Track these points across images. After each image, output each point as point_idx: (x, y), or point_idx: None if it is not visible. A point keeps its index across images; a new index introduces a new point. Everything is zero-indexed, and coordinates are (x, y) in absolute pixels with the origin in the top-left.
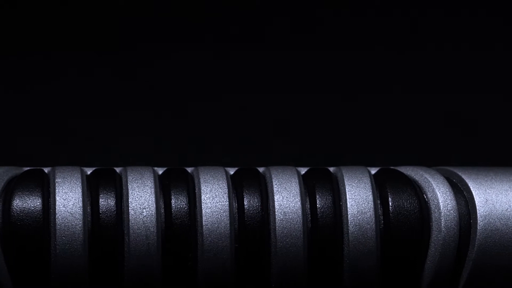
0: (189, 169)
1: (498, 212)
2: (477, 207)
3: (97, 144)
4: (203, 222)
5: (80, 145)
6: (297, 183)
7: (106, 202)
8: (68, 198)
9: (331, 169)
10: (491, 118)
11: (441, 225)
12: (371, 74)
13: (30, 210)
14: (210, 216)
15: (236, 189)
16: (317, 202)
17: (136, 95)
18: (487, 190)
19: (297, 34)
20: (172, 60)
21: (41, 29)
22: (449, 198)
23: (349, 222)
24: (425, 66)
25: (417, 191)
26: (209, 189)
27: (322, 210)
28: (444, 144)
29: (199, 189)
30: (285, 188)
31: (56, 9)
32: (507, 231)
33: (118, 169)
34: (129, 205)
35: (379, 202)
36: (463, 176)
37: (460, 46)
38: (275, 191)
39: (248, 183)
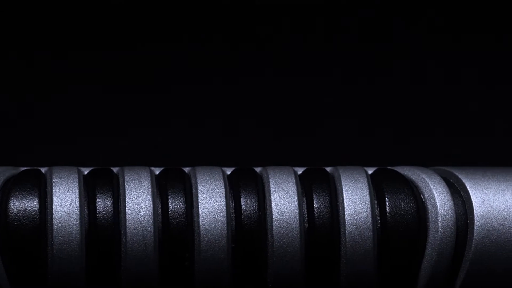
0: (186, 169)
1: (495, 212)
2: (474, 207)
3: (94, 144)
4: (200, 222)
5: (77, 145)
6: (294, 183)
7: (103, 202)
8: (65, 198)
9: (328, 169)
10: (489, 118)
11: (438, 225)
12: (369, 74)
13: (27, 210)
14: (207, 216)
15: (233, 189)
16: (314, 202)
17: (133, 95)
18: (484, 190)
19: (296, 34)
20: (169, 59)
21: (41, 29)
22: (446, 198)
23: (346, 222)
24: (424, 65)
25: (414, 191)
26: (206, 189)
27: (319, 210)
28: (442, 144)
29: (196, 189)
30: (282, 188)
31: (57, 10)
32: (504, 231)
33: (115, 169)
34: (126, 205)
35: (376, 202)
36: (460, 176)
37: (460, 45)
38: (272, 191)
39: (245, 183)
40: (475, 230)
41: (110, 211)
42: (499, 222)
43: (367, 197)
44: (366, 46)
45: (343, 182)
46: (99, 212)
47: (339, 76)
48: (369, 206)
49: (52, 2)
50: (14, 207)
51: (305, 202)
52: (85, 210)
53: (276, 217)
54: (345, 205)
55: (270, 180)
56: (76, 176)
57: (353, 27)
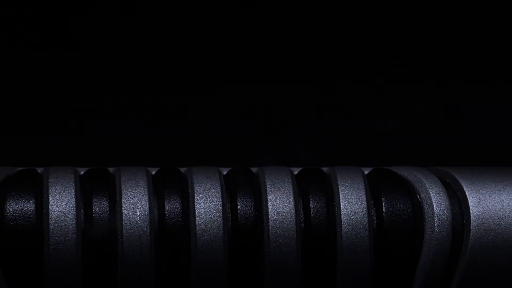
0: (183, 169)
1: (491, 212)
2: (470, 207)
3: (90, 144)
4: (196, 222)
5: (73, 145)
6: (290, 183)
7: (99, 202)
8: (61, 198)
9: (325, 169)
10: (487, 118)
11: (434, 225)
12: (366, 72)
13: (23, 211)
14: (203, 216)
15: (229, 189)
16: (310, 202)
17: (131, 95)
18: (480, 190)
19: (296, 34)
20: (167, 59)
21: (40, 29)
22: (442, 198)
23: (342, 222)
24: (423, 64)
25: (410, 191)
26: (202, 189)
27: (315, 210)
28: (439, 144)
29: (192, 189)
30: (278, 188)
31: (57, 9)
32: (500, 231)
33: (111, 169)
34: (122, 205)
35: (372, 202)
36: (456, 176)
37: (460, 44)
38: (268, 191)
39: (242, 183)
40: (471, 230)
41: (107, 211)
42: (495, 222)
43: (364, 197)
44: (365, 46)
45: (339, 182)
46: (95, 212)
47: (338, 75)
48: (365, 206)
49: (52, 2)
50: (11, 207)
51: (301, 202)
52: (81, 210)
53: (272, 217)
54: (342, 205)
55: (266, 180)
56: (72, 176)
57: (351, 27)
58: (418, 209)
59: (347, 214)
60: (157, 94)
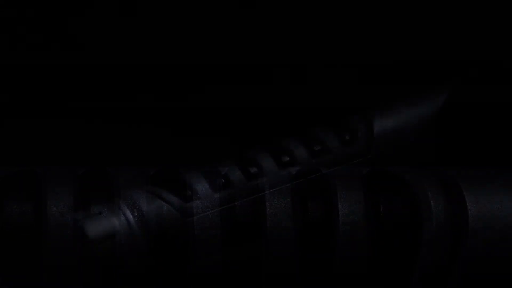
0: (181, 169)
1: (488, 211)
2: (468, 207)
3: (90, 143)
4: (195, 221)
5: (73, 145)
6: (289, 183)
7: (98, 202)
8: (59, 198)
9: (323, 169)
10: (487, 117)
11: (432, 224)
12: (366, 72)
13: (21, 210)
14: (201, 216)
15: (227, 189)
16: (309, 202)
17: (129, 96)
18: (478, 190)
19: (296, 34)
20: (167, 59)
21: (37, 31)
22: (441, 198)
23: (341, 222)
24: (422, 64)
25: (408, 191)
26: (200, 188)
27: (313, 209)
28: (439, 144)
29: (191, 189)
30: (277, 188)
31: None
32: (498, 230)
33: (109, 169)
34: (121, 205)
35: (370, 202)
36: (455, 176)
37: (460, 44)
38: (266, 191)
39: (240, 183)
40: (469, 229)
41: (105, 212)
42: (493, 222)
43: (362, 198)
44: (365, 46)
45: (337, 182)
46: (93, 212)
47: (338, 74)
48: (363, 205)
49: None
50: (9, 207)
51: (299, 201)
52: (79, 210)
53: (271, 217)
54: (340, 205)
55: (265, 180)
56: (71, 176)
57: (350, 28)
58: (416, 208)
59: (346, 214)
60: (157, 94)
